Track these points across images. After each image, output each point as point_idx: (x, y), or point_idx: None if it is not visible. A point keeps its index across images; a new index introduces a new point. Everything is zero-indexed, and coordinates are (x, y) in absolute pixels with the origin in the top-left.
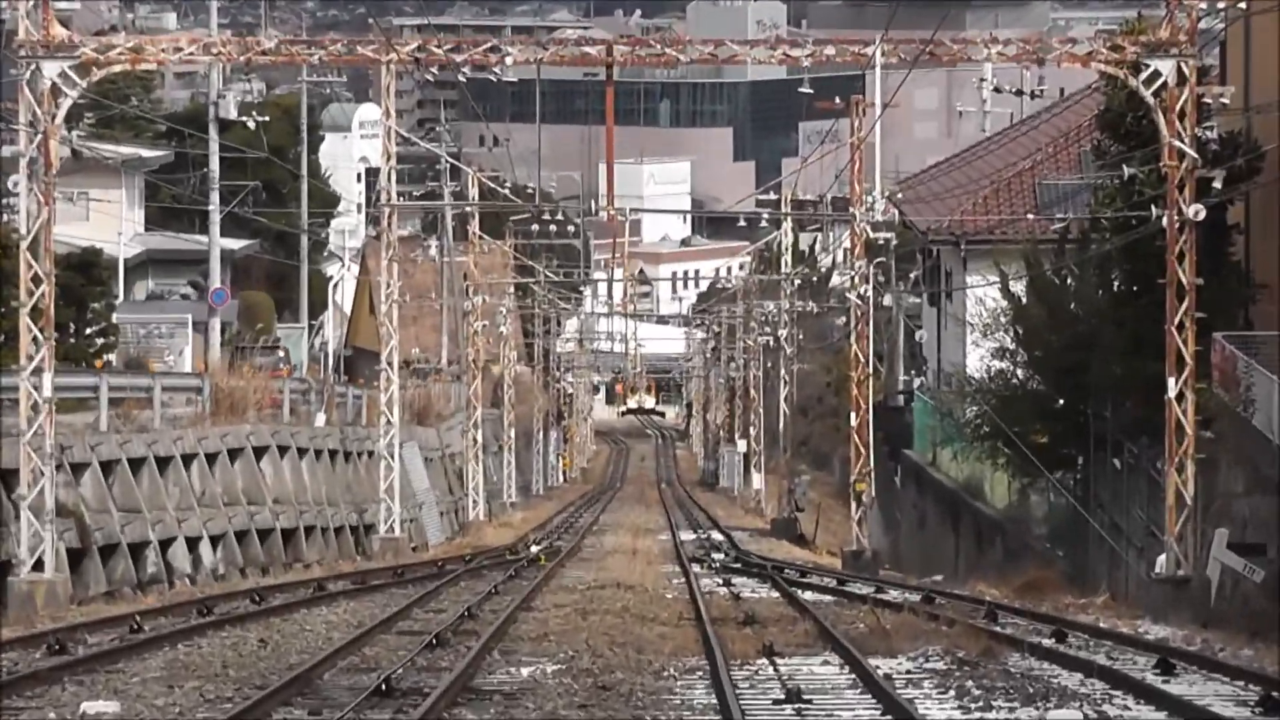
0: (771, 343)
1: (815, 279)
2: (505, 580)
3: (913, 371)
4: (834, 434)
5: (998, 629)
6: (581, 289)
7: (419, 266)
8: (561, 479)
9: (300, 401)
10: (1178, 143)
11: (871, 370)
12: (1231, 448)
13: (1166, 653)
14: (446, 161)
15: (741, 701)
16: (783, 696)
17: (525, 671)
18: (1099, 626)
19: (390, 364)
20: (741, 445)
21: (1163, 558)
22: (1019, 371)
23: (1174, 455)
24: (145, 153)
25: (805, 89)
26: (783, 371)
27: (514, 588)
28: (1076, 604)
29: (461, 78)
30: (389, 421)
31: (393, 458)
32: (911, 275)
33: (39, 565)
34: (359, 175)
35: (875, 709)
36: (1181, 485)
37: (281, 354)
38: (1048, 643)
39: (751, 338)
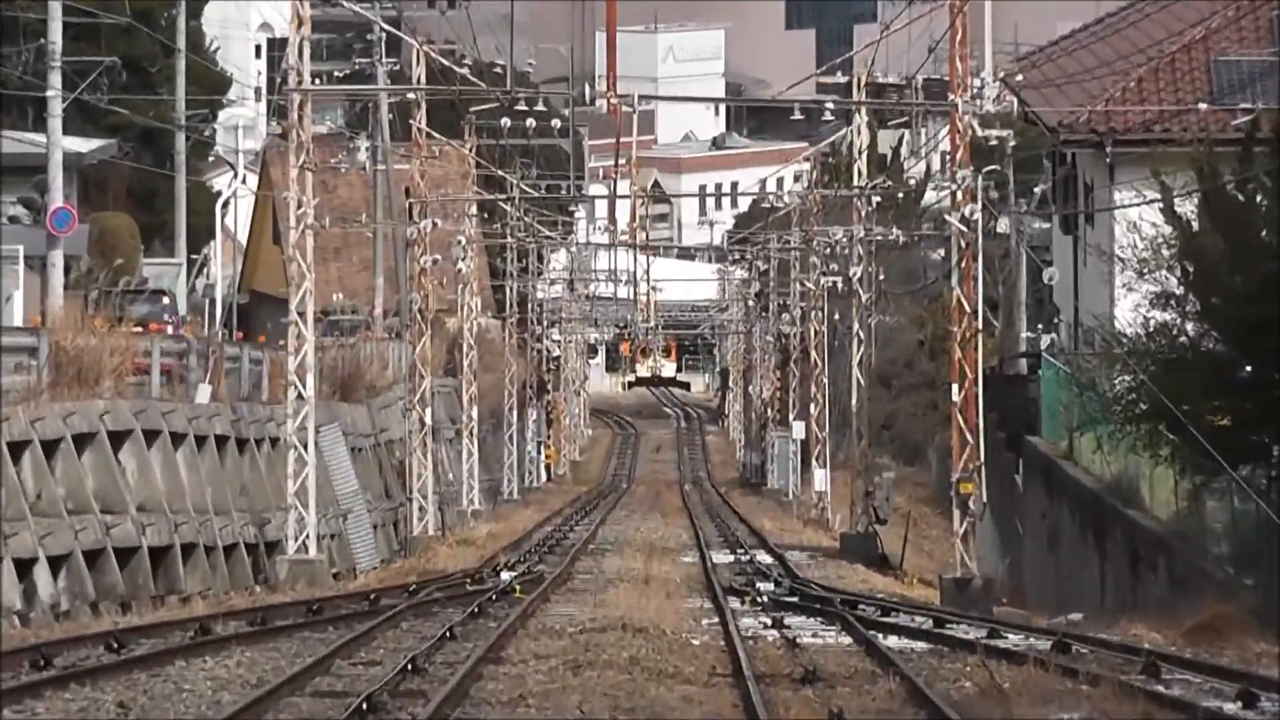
0: (840, 285)
1: (901, 196)
2: (465, 620)
3: (1039, 326)
4: (928, 414)
5: (1161, 689)
6: (572, 210)
7: (343, 178)
8: (544, 477)
9: (177, 367)
10: None
11: (981, 324)
12: None
13: None
14: (381, 30)
15: None
16: None
17: None
18: None
19: (303, 315)
20: (798, 429)
21: None
22: (1189, 326)
23: None
24: None
25: None
26: (856, 326)
27: (477, 630)
28: (1271, 653)
29: None
30: (301, 396)
31: (306, 447)
32: (1036, 190)
33: None
34: (258, 49)
35: None
36: None
37: (165, 300)
38: (1231, 708)
39: (811, 278)
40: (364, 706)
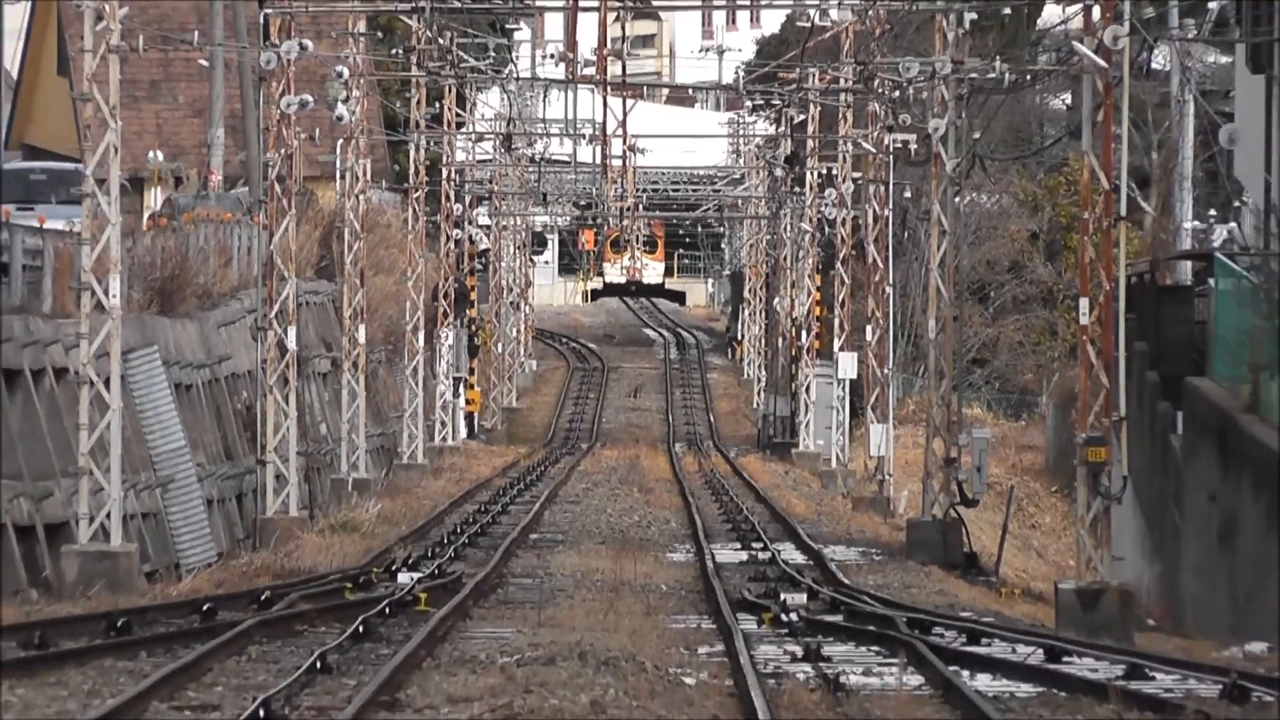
0: (914, 148)
1: (1009, 12)
2: (344, 644)
3: (1213, 214)
4: (1043, 344)
5: None
6: (511, 28)
7: None
8: (465, 432)
9: None
10: None
11: (1125, 208)
12: None
13: None
14: None
15: None
16: None
17: None
18: None
19: (104, 183)
20: (847, 364)
21: None
22: None
23: None
24: None
25: None
26: (936, 209)
27: (362, 660)
28: None
29: None
30: (101, 306)
31: (108, 383)
32: (1212, 5)
33: None
34: None
35: None
36: None
37: None
38: None
39: (870, 136)
40: None
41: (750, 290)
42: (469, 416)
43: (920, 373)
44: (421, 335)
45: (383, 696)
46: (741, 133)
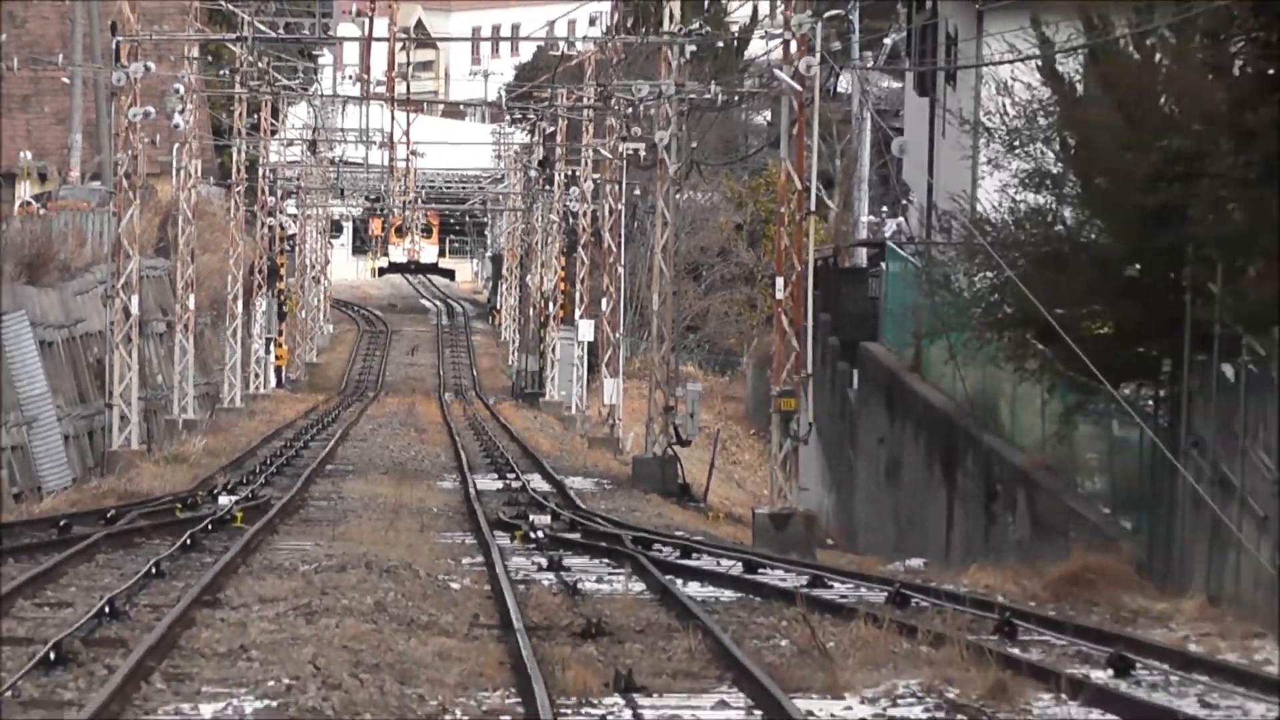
0: (643, 154)
1: (722, 45)
2: (174, 553)
3: (884, 209)
4: (745, 314)
5: (1016, 652)
6: (316, 54)
7: (35, 8)
8: (274, 382)
9: None
10: None
11: (814, 205)
12: None
13: None
14: None
15: None
16: None
17: (208, 712)
18: (1188, 651)
19: None
20: (585, 330)
21: None
22: (1067, 213)
23: None
24: None
25: None
26: (660, 204)
27: (189, 567)
28: (1152, 611)
29: None
30: None
31: None
32: (887, 41)
33: None
34: None
35: None
36: None
37: None
38: (1101, 676)
39: (608, 144)
40: (51, 656)
41: (508, 269)
42: (278, 369)
43: (645, 337)
44: (240, 303)
45: (206, 596)
46: (503, 141)
